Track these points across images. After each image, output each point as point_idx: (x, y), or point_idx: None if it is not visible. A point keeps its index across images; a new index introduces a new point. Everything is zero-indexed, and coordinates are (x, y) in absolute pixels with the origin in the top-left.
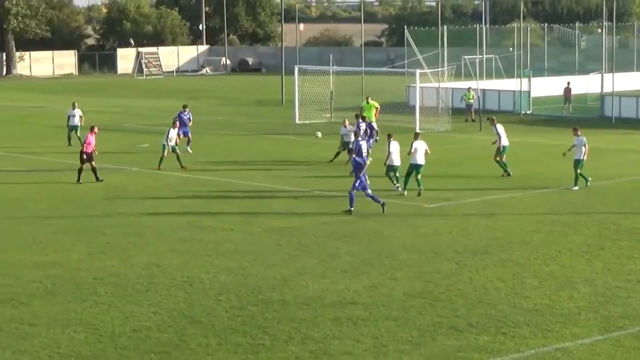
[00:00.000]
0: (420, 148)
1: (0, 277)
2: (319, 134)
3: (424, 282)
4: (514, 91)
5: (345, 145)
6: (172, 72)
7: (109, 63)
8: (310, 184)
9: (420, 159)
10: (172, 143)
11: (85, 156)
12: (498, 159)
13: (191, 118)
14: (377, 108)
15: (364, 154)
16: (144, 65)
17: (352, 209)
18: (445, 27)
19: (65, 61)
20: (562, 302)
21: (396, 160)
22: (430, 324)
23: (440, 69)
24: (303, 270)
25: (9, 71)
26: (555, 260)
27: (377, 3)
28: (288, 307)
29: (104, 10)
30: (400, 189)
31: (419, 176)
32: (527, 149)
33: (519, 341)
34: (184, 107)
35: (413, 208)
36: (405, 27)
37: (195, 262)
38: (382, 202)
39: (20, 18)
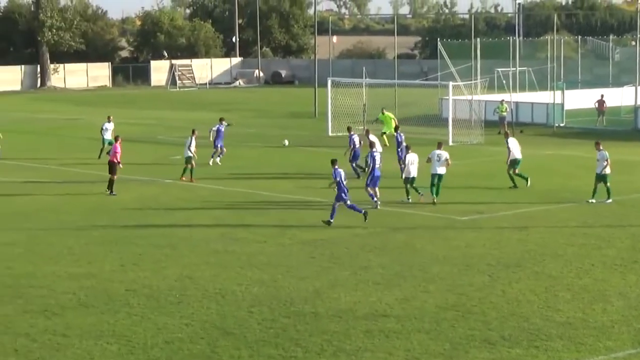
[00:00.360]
0: (440, 157)
1: (34, 289)
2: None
3: (457, 295)
4: (547, 104)
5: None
6: (206, 84)
7: (143, 75)
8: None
9: (440, 169)
10: (191, 153)
11: (120, 166)
12: (511, 171)
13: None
14: (393, 119)
15: (377, 165)
16: (177, 78)
17: (364, 210)
18: (478, 39)
19: (99, 73)
20: (596, 316)
21: (413, 171)
22: (463, 337)
23: (473, 82)
24: (335, 283)
25: (43, 83)
26: (589, 274)
27: (410, 15)
28: (320, 319)
29: (138, 23)
30: (416, 198)
31: (440, 184)
32: (560, 161)
33: (552, 354)
34: (221, 120)
35: (445, 220)
36: (438, 39)
37: (227, 274)
38: (331, 220)
39: (54, 30)
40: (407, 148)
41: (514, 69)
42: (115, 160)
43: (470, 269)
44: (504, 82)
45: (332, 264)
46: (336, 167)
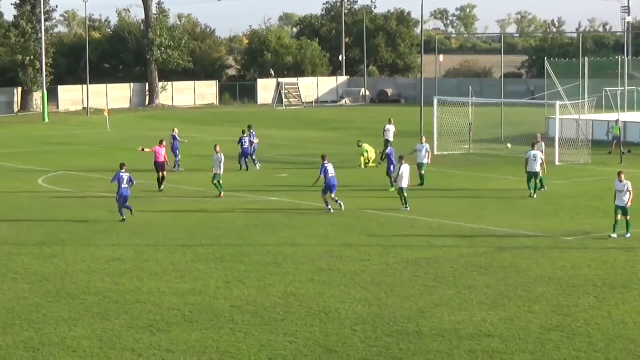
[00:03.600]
0: (535, 157)
1: (140, 304)
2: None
3: (562, 316)
4: None
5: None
6: (312, 102)
7: (250, 93)
8: (448, 216)
9: (537, 167)
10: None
11: (158, 166)
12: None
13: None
14: (363, 155)
15: (330, 175)
16: (284, 96)
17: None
18: (586, 58)
19: (206, 91)
20: None
21: (405, 182)
22: (568, 359)
23: (580, 101)
24: (439, 302)
25: (151, 101)
26: None
27: (517, 35)
28: (424, 338)
29: (245, 42)
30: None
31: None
32: None
33: None
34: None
35: (551, 241)
36: (545, 58)
37: (331, 292)
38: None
39: (163, 49)
40: (401, 158)
41: (623, 88)
42: (159, 161)
43: (576, 289)
44: (612, 101)
45: (436, 283)
46: (120, 170)
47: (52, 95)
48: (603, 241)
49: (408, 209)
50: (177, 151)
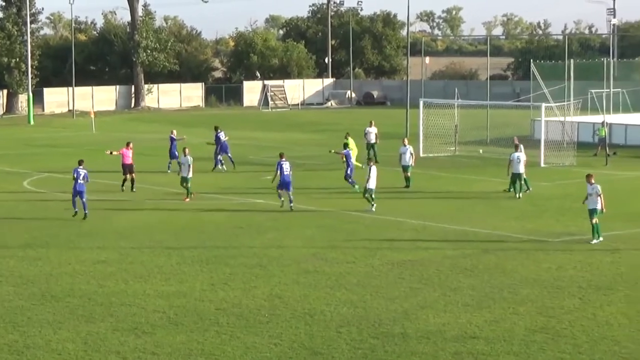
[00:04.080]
0: (520, 159)
1: (125, 307)
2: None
3: (547, 318)
4: None
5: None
6: (298, 105)
7: (235, 96)
8: (433, 218)
9: (521, 168)
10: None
11: (126, 168)
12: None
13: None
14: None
15: (285, 173)
16: (269, 98)
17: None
18: (571, 60)
19: (192, 93)
20: None
21: (372, 184)
22: None
23: (566, 103)
24: (424, 304)
25: (137, 103)
26: None
27: (503, 37)
28: (409, 340)
29: (231, 44)
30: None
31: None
32: None
33: None
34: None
35: (536, 242)
36: (531, 60)
37: (316, 294)
38: (85, 213)
39: (149, 51)
40: (370, 160)
41: (608, 90)
42: (127, 163)
43: (561, 291)
44: (598, 103)
45: (421, 285)
46: (78, 166)
47: (38, 98)
48: (588, 243)
49: (374, 209)
50: (177, 152)
